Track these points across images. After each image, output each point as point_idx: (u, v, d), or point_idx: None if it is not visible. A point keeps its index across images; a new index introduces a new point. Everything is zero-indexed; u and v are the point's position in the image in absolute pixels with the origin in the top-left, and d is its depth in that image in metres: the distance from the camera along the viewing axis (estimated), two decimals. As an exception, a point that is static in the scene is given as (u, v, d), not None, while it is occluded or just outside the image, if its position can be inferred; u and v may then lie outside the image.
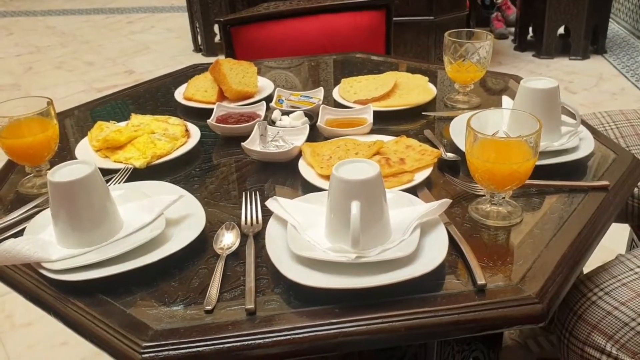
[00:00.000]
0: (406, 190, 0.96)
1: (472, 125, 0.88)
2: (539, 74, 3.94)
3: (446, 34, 1.34)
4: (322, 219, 0.84)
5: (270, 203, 0.88)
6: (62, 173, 0.83)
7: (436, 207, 0.84)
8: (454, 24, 3.48)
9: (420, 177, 1.00)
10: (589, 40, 4.04)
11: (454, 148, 1.12)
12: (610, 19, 4.21)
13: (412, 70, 1.52)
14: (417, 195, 0.96)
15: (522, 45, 4.29)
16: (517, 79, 1.49)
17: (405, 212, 0.84)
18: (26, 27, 5.67)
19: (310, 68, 1.70)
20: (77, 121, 1.38)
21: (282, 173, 1.09)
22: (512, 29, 4.51)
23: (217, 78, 1.39)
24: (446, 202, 0.84)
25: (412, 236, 0.80)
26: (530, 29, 4.28)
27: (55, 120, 1.06)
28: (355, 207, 0.75)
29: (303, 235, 0.82)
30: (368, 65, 1.66)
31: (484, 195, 0.95)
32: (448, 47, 1.33)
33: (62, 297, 0.78)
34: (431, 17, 3.37)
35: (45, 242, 0.83)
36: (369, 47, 2.27)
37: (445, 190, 1.01)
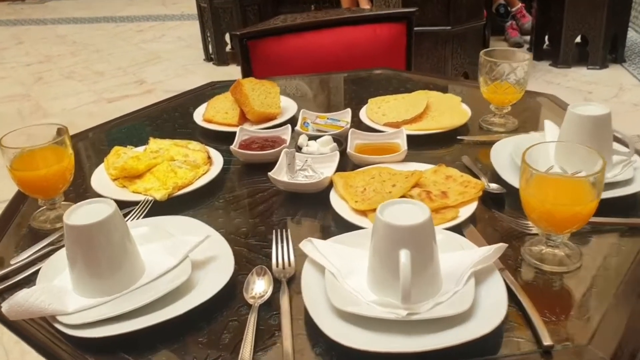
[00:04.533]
0: (451, 229, 0.88)
1: (527, 160, 0.80)
2: (556, 84, 3.86)
3: (482, 52, 1.26)
4: (363, 264, 0.76)
5: (305, 245, 0.81)
6: (79, 214, 0.75)
7: (491, 253, 0.76)
8: (471, 34, 3.41)
9: (464, 212, 0.92)
10: (608, 49, 3.96)
11: (495, 177, 1.04)
12: (629, 27, 4.12)
13: (441, 88, 1.45)
14: (462, 234, 0.88)
15: (538, 54, 4.20)
16: (552, 99, 1.42)
17: (456, 257, 0.76)
18: (37, 36, 5.64)
19: (333, 86, 1.63)
20: (93, 144, 1.31)
21: (312, 205, 1.01)
22: (528, 38, 4.42)
23: (238, 99, 1.32)
24: (502, 246, 0.76)
25: (467, 287, 0.72)
26: (547, 37, 4.19)
27: (71, 149, 0.99)
28: (404, 256, 0.68)
29: (343, 284, 0.75)
30: (394, 82, 1.59)
31: (536, 234, 0.87)
32: (483, 67, 1.25)
33: (79, 355, 0.71)
34: (448, 27, 3.29)
35: (60, 291, 0.76)
36: (388, 60, 2.19)
37: (491, 227, 0.93)
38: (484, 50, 1.27)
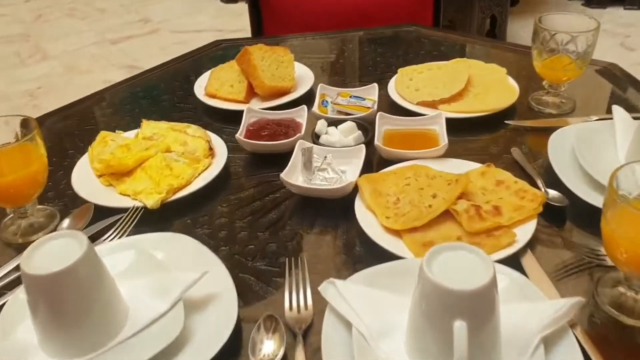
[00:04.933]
0: (505, 261, 0.71)
1: (615, 186, 0.61)
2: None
3: (536, 19, 1.05)
4: (400, 318, 0.60)
5: (326, 290, 0.64)
6: (41, 256, 0.59)
7: (564, 311, 0.59)
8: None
9: (522, 234, 0.75)
10: (648, -13, 3.64)
11: (552, 178, 0.86)
12: (673, -37, 3.77)
13: (479, 54, 1.24)
14: (517, 261, 0.72)
15: (570, -8, 3.88)
16: (614, 69, 1.21)
17: (520, 315, 0.60)
18: (35, -32, 5.33)
19: (354, 48, 1.41)
20: (77, 122, 1.14)
21: (333, 213, 0.85)
22: (560, -27, 4.09)
23: (245, 70, 1.13)
24: (578, 302, 0.60)
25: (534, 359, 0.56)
26: (581, -27, 3.86)
27: (43, 148, 0.82)
28: (460, 330, 0.51)
29: (376, 350, 0.59)
30: (425, 44, 1.38)
31: (612, 267, 0.70)
32: (537, 36, 1.05)
33: None
34: (477, -36, 3.00)
35: (22, 350, 0.60)
36: (414, 11, 1.97)
37: (551, 252, 0.76)
38: (540, 15, 1.06)
